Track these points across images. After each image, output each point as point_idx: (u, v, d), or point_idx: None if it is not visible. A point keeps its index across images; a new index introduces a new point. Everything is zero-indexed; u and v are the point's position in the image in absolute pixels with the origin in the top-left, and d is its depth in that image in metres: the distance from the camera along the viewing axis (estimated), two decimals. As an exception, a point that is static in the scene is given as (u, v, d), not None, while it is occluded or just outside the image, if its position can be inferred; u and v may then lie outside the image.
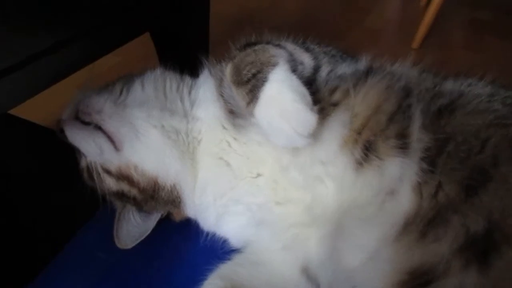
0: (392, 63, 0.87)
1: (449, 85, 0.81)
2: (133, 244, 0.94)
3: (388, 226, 0.70)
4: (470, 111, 0.74)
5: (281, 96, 0.70)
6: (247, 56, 0.78)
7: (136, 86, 0.93)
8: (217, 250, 0.92)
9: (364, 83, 0.79)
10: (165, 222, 0.99)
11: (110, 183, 0.89)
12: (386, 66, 0.86)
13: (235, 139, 0.87)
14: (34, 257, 1.01)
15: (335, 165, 0.77)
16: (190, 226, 0.98)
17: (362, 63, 0.87)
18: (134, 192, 0.90)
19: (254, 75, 0.74)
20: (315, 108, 0.70)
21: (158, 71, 0.98)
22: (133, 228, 0.96)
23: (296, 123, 0.68)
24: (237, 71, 0.77)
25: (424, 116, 0.74)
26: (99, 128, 0.85)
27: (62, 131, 0.84)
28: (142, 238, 0.95)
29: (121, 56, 1.84)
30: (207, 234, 0.94)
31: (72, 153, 0.93)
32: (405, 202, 0.71)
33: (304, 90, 0.71)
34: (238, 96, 0.77)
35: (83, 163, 0.91)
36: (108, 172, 0.88)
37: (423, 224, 0.68)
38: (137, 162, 0.87)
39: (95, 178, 0.88)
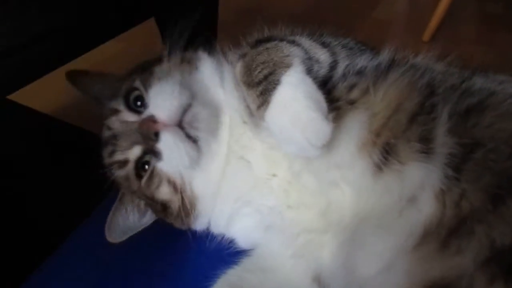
0: (414, 56, 0.80)
1: (478, 82, 0.74)
2: (123, 239, 0.89)
3: (407, 235, 0.66)
4: (502, 112, 0.68)
5: (294, 102, 0.65)
6: (259, 55, 0.72)
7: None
8: (222, 251, 0.88)
9: (385, 79, 0.74)
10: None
11: (164, 193, 0.84)
12: (409, 58, 0.79)
13: (254, 135, 0.82)
14: (27, 256, 0.98)
15: (352, 169, 0.72)
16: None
17: (383, 56, 0.80)
18: (174, 205, 0.85)
19: (266, 77, 0.69)
20: (331, 116, 0.65)
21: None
22: (127, 224, 0.92)
23: (310, 133, 0.63)
24: (247, 71, 0.72)
25: (451, 117, 0.69)
26: (196, 142, 0.79)
27: (156, 134, 0.77)
28: (132, 234, 0.91)
29: (125, 42, 1.78)
30: (213, 235, 0.90)
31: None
32: (426, 210, 0.66)
33: (319, 96, 0.66)
34: (248, 98, 0.72)
35: (130, 157, 0.84)
36: (170, 182, 0.83)
37: (445, 234, 0.64)
38: (195, 179, 0.84)
39: (152, 183, 0.84)
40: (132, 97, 0.84)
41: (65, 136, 1.40)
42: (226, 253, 0.87)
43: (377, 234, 0.69)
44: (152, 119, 0.76)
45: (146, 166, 0.84)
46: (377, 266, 0.68)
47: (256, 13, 2.24)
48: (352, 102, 0.74)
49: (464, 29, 2.33)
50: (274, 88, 0.67)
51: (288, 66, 0.68)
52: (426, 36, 2.22)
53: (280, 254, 0.82)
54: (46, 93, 1.53)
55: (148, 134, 0.77)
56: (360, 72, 0.76)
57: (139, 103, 0.83)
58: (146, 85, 0.82)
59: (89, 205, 1.07)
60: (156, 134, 0.76)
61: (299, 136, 0.64)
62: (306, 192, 0.78)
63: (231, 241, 0.89)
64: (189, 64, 0.88)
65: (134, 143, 0.82)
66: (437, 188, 0.66)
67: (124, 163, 0.85)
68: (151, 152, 0.80)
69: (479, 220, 0.62)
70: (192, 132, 0.78)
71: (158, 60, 0.89)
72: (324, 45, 0.79)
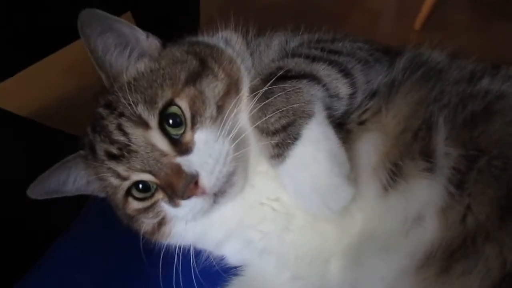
0: (430, 54, 0.76)
1: (485, 84, 0.69)
2: (41, 198, 0.79)
3: (411, 257, 0.62)
4: None
5: (315, 164, 0.60)
6: (276, 98, 0.65)
7: None
8: (213, 268, 0.82)
9: (397, 93, 0.69)
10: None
11: (148, 222, 0.77)
12: (424, 59, 0.75)
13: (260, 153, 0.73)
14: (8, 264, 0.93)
15: (363, 193, 0.67)
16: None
17: (399, 63, 0.75)
18: (147, 229, 0.78)
19: (284, 128, 0.63)
20: (352, 175, 0.61)
21: None
22: (59, 188, 0.81)
23: (330, 199, 0.60)
24: (262, 115, 0.65)
25: (451, 125, 0.64)
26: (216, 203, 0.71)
27: (188, 197, 0.67)
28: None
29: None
30: (202, 252, 0.83)
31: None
32: (430, 229, 0.62)
33: (342, 155, 0.61)
34: (260, 144, 0.66)
35: (133, 178, 0.72)
36: (163, 220, 0.76)
37: (448, 254, 0.60)
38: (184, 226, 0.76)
39: (145, 213, 0.75)
40: (168, 113, 0.70)
41: (41, 139, 1.33)
42: (215, 270, 0.81)
43: (382, 255, 0.65)
44: (195, 181, 0.66)
45: (141, 186, 0.73)
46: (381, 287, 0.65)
47: (239, 3, 2.15)
48: (362, 122, 0.70)
49: (456, 18, 2.28)
50: (293, 142, 0.62)
51: (309, 116, 0.63)
52: (418, 24, 2.17)
53: (276, 276, 0.77)
54: (22, 95, 1.47)
55: (181, 193, 0.66)
56: (374, 93, 0.71)
57: (171, 121, 0.70)
58: (196, 116, 0.69)
59: (69, 211, 1.01)
60: (189, 196, 0.67)
61: (318, 200, 0.60)
62: (315, 217, 0.71)
63: (220, 258, 0.83)
64: (235, 87, 0.75)
65: (149, 172, 0.69)
66: (440, 205, 0.62)
67: (123, 178, 0.73)
68: (166, 195, 0.71)
69: (486, 237, 0.58)
70: (220, 200, 0.70)
71: (206, 63, 0.75)
72: (343, 71, 0.70)
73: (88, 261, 0.91)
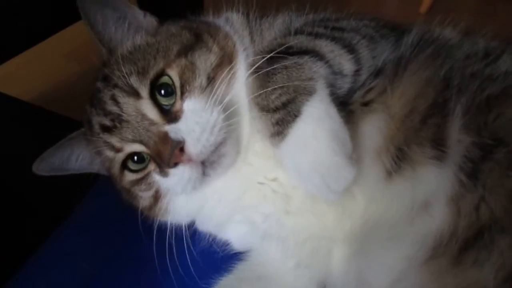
0: (441, 31, 0.73)
1: (505, 65, 0.65)
2: (47, 174, 0.81)
3: (418, 246, 0.60)
4: None
5: (316, 141, 0.58)
6: (277, 75, 0.63)
7: None
8: (216, 253, 0.81)
9: (404, 71, 0.66)
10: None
11: (145, 196, 0.77)
12: (434, 36, 0.72)
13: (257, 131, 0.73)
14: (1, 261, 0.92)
15: (365, 176, 0.65)
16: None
17: (407, 39, 0.72)
18: (144, 203, 0.78)
19: (284, 104, 0.62)
20: (355, 155, 0.59)
21: None
22: (63, 165, 0.82)
23: (331, 179, 0.58)
24: (262, 92, 0.64)
25: (467, 112, 0.61)
26: (207, 176, 0.70)
27: (176, 164, 0.67)
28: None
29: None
30: (204, 235, 0.82)
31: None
32: (439, 219, 0.60)
33: (344, 133, 0.59)
34: (260, 121, 0.65)
35: (126, 149, 0.73)
36: (158, 192, 0.76)
37: (460, 246, 0.57)
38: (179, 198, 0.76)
39: (139, 185, 0.76)
40: (160, 83, 0.71)
41: (43, 123, 1.32)
42: (221, 256, 0.81)
43: (388, 244, 0.64)
44: (180, 147, 0.66)
45: (136, 158, 0.74)
46: (388, 278, 0.63)
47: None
48: (367, 103, 0.67)
49: (461, 0, 2.24)
50: (294, 120, 0.60)
51: (310, 93, 0.61)
52: (423, 7, 2.15)
53: (280, 263, 0.76)
54: (24, 80, 1.46)
55: (167, 160, 0.66)
56: (379, 71, 0.69)
57: (163, 91, 0.70)
58: (185, 85, 0.69)
59: (72, 196, 1.00)
60: (176, 163, 0.67)
61: (319, 180, 0.58)
62: (315, 199, 0.70)
63: (225, 243, 0.82)
64: (229, 59, 0.74)
65: (139, 141, 0.70)
66: (451, 194, 0.59)
67: (116, 149, 0.73)
68: (157, 165, 0.71)
69: (501, 229, 0.56)
70: (210, 171, 0.70)
71: (201, 37, 0.75)
72: (347, 46, 0.68)
73: (92, 247, 0.91)
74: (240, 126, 0.72)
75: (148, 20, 0.81)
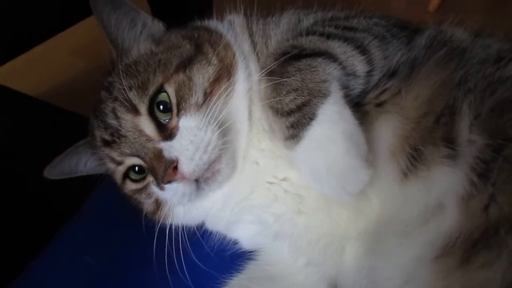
0: (453, 32, 0.72)
1: None
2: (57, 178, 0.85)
3: (429, 246, 0.60)
4: None
5: (332, 144, 0.58)
6: (291, 77, 0.63)
7: None
8: (225, 252, 0.81)
9: (417, 74, 0.66)
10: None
11: (146, 204, 0.80)
12: (447, 38, 0.71)
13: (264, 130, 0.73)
14: (10, 258, 0.93)
15: (379, 177, 0.64)
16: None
17: (420, 41, 0.71)
18: (148, 209, 0.81)
19: (299, 108, 0.61)
20: (370, 157, 0.58)
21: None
22: (72, 170, 0.87)
23: (347, 182, 0.58)
24: (276, 95, 0.63)
25: (476, 112, 0.61)
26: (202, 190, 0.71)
27: (169, 182, 0.68)
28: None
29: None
30: (213, 234, 0.82)
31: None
32: (450, 219, 0.59)
33: (359, 135, 0.59)
34: (274, 124, 0.64)
35: (126, 162, 0.75)
36: (158, 201, 0.78)
37: (469, 245, 0.57)
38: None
39: (140, 194, 0.78)
40: (158, 100, 0.71)
41: (51, 119, 1.33)
42: (230, 254, 0.80)
43: (401, 244, 0.63)
44: (173, 166, 0.67)
45: (137, 168, 0.76)
46: (399, 276, 0.63)
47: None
48: (380, 104, 0.67)
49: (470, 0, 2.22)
50: (309, 123, 0.59)
51: (325, 95, 0.60)
52: (432, 5, 2.12)
53: (291, 261, 0.75)
54: (31, 76, 1.46)
55: (161, 177, 0.68)
56: (393, 73, 0.68)
57: (161, 107, 0.71)
58: (181, 102, 0.70)
59: (80, 193, 1.00)
60: (169, 181, 0.68)
61: (334, 183, 0.58)
62: (328, 198, 0.69)
63: (234, 242, 0.81)
64: (227, 72, 0.74)
65: (137, 156, 0.72)
66: (461, 194, 0.59)
67: (117, 163, 0.76)
68: (154, 178, 0.72)
69: (510, 228, 0.55)
70: (204, 186, 0.71)
71: (202, 48, 0.76)
72: (359, 47, 0.67)
73: (100, 245, 0.91)
74: (237, 140, 0.73)
75: (156, 25, 0.82)
